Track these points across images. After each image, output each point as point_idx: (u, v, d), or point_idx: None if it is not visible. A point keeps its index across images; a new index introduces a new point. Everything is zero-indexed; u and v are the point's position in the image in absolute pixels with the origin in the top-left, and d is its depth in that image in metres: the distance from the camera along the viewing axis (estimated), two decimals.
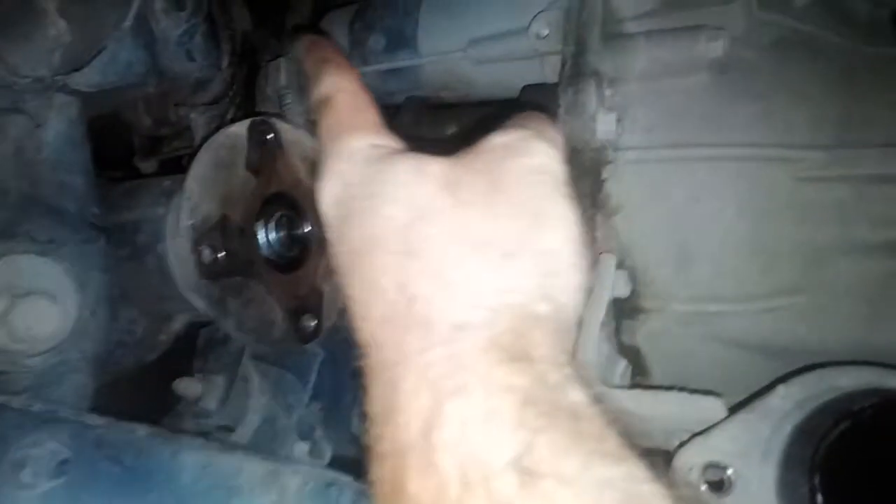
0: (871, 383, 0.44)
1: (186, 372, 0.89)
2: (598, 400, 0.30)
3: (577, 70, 0.66)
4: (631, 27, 0.68)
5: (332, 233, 0.39)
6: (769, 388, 0.49)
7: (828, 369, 0.47)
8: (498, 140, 0.38)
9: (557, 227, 0.36)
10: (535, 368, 0.30)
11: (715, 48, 0.62)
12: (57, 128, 0.69)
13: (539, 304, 0.33)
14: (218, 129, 0.90)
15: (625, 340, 0.68)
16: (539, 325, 0.32)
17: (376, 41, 0.84)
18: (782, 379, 0.49)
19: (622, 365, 0.67)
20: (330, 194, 0.39)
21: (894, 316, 0.56)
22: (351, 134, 0.41)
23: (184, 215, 0.67)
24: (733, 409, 0.52)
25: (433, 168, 0.37)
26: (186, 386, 0.85)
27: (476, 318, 0.32)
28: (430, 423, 0.29)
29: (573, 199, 0.37)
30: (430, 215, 0.35)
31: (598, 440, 0.28)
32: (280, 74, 0.86)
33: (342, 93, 0.44)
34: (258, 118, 0.73)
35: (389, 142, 0.41)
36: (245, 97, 0.93)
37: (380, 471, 0.31)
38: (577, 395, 0.30)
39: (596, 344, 0.62)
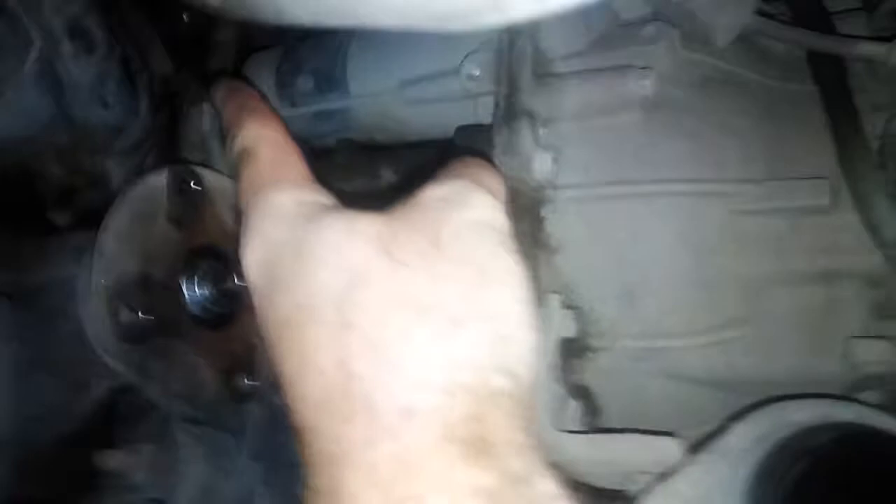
0: (826, 416, 0.44)
1: (109, 443, 0.81)
2: (567, 485, 0.28)
3: (510, 110, 0.66)
4: (561, 67, 0.68)
5: (259, 300, 0.35)
6: (725, 426, 0.49)
7: (781, 404, 0.47)
8: (435, 192, 0.36)
9: (504, 286, 0.33)
10: (499, 461, 0.27)
11: (644, 87, 0.62)
12: None
13: (495, 378, 0.30)
14: (138, 177, 0.85)
15: (574, 380, 0.67)
16: (497, 405, 0.29)
17: (304, 83, 0.81)
18: (737, 416, 0.49)
19: (573, 406, 0.66)
20: (254, 257, 0.36)
21: (835, 343, 0.57)
22: (274, 188, 0.37)
23: (96, 274, 0.62)
24: (691, 448, 0.51)
25: (366, 226, 0.34)
26: (110, 458, 0.78)
27: (426, 402, 0.28)
28: None
29: (518, 252, 0.35)
30: (365, 280, 0.32)
31: None
32: (204, 119, 0.82)
33: (264, 143, 0.41)
34: (179, 166, 0.69)
35: (317, 196, 0.38)
36: (167, 143, 0.88)
37: None
38: (545, 485, 0.28)
39: (546, 387, 0.60)
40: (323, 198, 0.38)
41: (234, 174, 0.41)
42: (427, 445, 0.27)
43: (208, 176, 0.71)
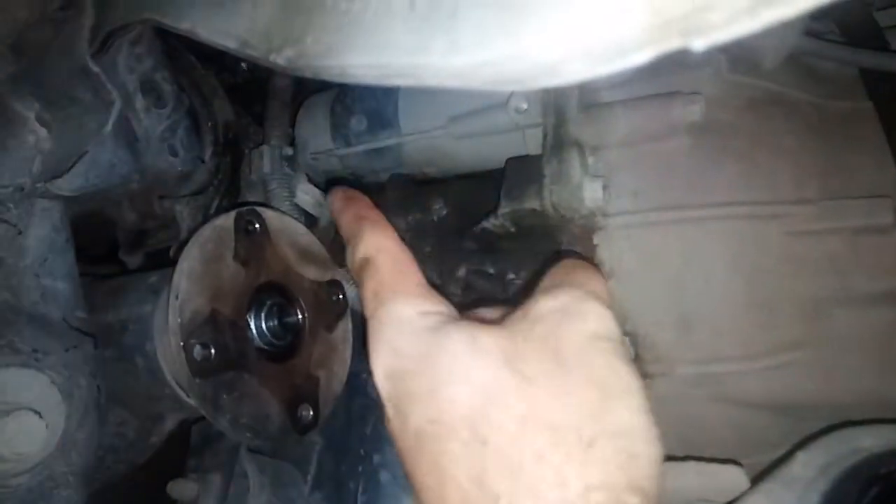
0: (894, 442, 0.43)
1: (180, 472, 0.85)
2: None
3: (558, 140, 0.67)
4: (607, 96, 0.69)
5: (389, 408, 0.38)
6: (789, 453, 0.48)
7: (847, 430, 0.46)
8: (549, 305, 0.38)
9: (627, 401, 0.35)
10: None
11: (692, 112, 0.63)
12: (39, 234, 0.67)
13: (627, 497, 0.31)
14: (204, 218, 0.89)
15: None
16: None
17: (358, 123, 0.85)
18: (801, 443, 0.48)
19: None
20: (383, 367, 0.38)
21: None
22: (397, 299, 0.40)
23: (172, 313, 0.65)
24: (755, 478, 0.50)
25: (490, 341, 0.36)
26: (181, 488, 0.81)
27: None
28: None
29: (632, 362, 0.37)
30: (496, 397, 0.34)
31: None
32: (264, 161, 0.86)
33: (383, 253, 0.43)
34: (244, 208, 0.73)
35: (437, 306, 0.40)
36: (230, 185, 0.93)
37: None
38: None
39: None
40: (443, 307, 0.40)
41: (356, 281, 0.44)
42: None
43: (270, 216, 0.74)
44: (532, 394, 0.34)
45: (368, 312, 0.41)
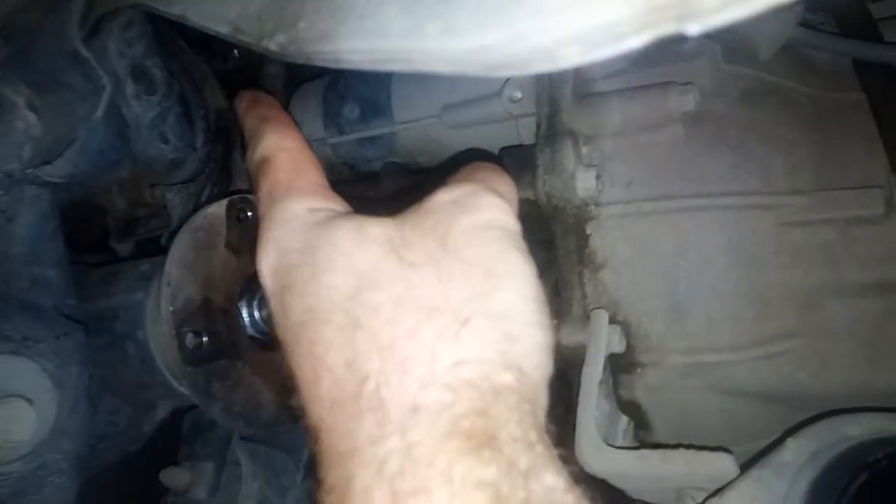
0: (883, 430, 0.44)
1: (173, 460, 0.85)
2: (576, 480, 0.28)
3: (552, 130, 0.67)
4: (602, 86, 0.69)
5: (274, 304, 0.36)
6: (779, 441, 0.48)
7: (836, 418, 0.46)
8: (444, 196, 0.36)
9: (512, 285, 0.33)
10: (503, 454, 0.27)
11: (686, 102, 0.63)
12: (28, 221, 0.67)
13: (501, 374, 0.30)
14: (195, 207, 0.89)
15: (624, 396, 0.67)
16: (503, 400, 0.29)
17: (350, 111, 0.84)
18: (791, 431, 0.48)
19: (624, 421, 0.66)
20: (268, 263, 0.37)
21: (893, 356, 0.56)
22: (290, 197, 0.38)
23: (164, 301, 0.65)
24: (744, 465, 0.50)
25: (376, 230, 0.34)
26: (174, 476, 0.81)
27: (431, 398, 0.29)
28: None
29: (527, 252, 0.35)
30: (375, 282, 0.32)
31: None
32: None
33: (282, 152, 0.41)
34: (236, 196, 0.72)
35: (331, 204, 0.38)
36: (221, 173, 0.92)
37: None
38: (551, 480, 0.27)
39: (595, 403, 0.61)
40: (335, 205, 0.39)
41: (254, 182, 0.42)
42: (432, 440, 0.28)
43: None
44: (411, 277, 0.32)
45: (261, 212, 0.39)
